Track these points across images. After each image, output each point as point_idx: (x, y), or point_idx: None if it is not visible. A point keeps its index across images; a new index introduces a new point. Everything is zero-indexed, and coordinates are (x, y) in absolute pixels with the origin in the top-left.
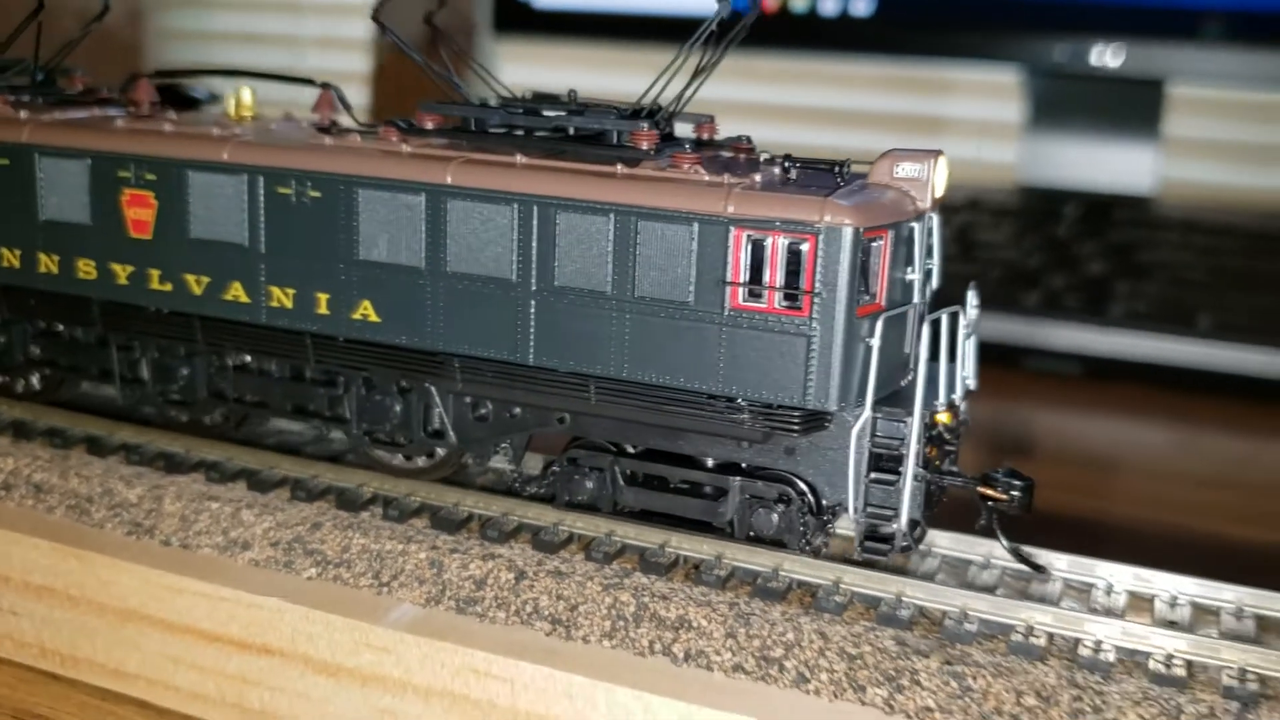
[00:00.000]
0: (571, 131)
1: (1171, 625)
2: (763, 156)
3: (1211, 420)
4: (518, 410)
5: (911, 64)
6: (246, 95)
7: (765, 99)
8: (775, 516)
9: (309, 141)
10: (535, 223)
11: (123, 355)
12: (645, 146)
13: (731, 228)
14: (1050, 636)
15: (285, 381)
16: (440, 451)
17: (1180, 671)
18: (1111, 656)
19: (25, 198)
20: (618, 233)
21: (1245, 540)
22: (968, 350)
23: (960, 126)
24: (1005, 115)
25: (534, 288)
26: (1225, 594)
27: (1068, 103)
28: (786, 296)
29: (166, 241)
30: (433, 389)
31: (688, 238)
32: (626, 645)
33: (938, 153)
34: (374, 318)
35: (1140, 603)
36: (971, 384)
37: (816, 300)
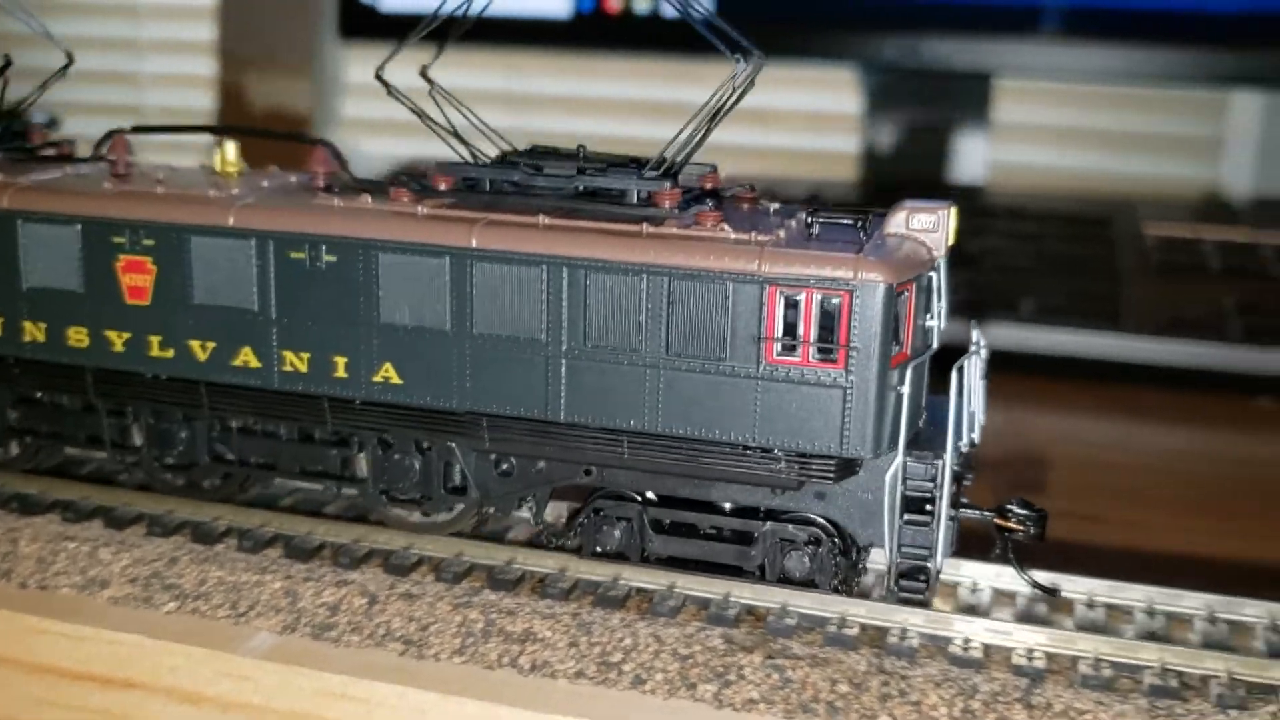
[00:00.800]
0: (581, 188)
1: (971, 611)
2: (772, 208)
3: (1030, 400)
4: (542, 465)
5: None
6: (231, 151)
7: (610, 95)
8: (807, 559)
9: (319, 204)
10: (565, 284)
11: (113, 421)
12: (668, 205)
13: (766, 286)
14: (862, 627)
15: (294, 443)
16: (459, 506)
17: (977, 654)
18: (916, 643)
19: (7, 265)
20: (651, 293)
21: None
22: (979, 389)
23: (797, 119)
24: (845, 108)
25: (565, 347)
26: (1021, 581)
27: (902, 97)
28: (821, 351)
29: (167, 308)
30: (455, 447)
31: (723, 297)
32: (476, 660)
33: (949, 204)
34: (396, 380)
35: (946, 590)
36: (981, 419)
37: (852, 354)
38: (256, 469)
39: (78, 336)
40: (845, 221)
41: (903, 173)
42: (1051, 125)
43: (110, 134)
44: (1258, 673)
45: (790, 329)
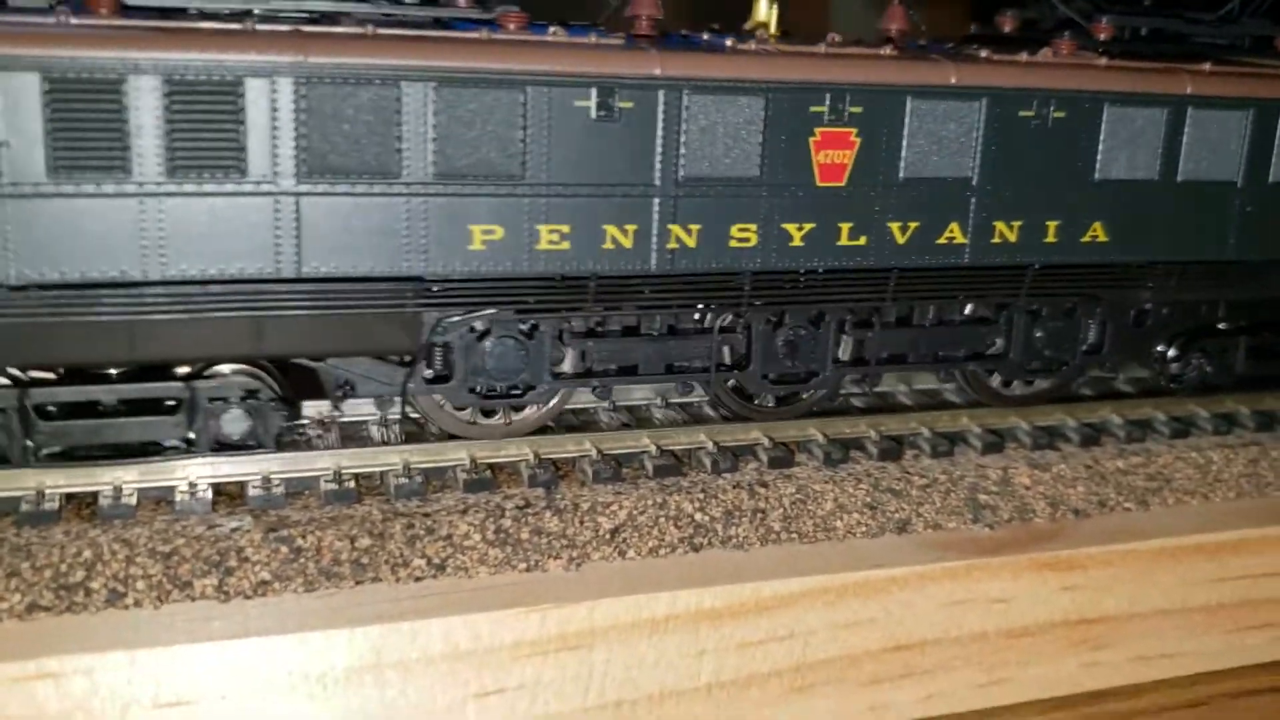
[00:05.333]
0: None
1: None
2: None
3: None
4: (1167, 310)
5: None
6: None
7: None
8: None
9: (1037, 59)
10: (1255, 126)
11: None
12: None
13: None
14: (357, 478)
15: (929, 329)
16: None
17: (487, 474)
18: (420, 479)
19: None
20: None
21: None
22: None
23: None
24: None
25: (1248, 186)
26: None
27: None
28: None
29: (867, 187)
30: (1106, 303)
31: None
32: None
33: None
34: (1103, 238)
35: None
36: None
37: None
38: (880, 364)
39: (742, 234)
40: None
41: None
42: None
43: None
44: (735, 438)
45: None
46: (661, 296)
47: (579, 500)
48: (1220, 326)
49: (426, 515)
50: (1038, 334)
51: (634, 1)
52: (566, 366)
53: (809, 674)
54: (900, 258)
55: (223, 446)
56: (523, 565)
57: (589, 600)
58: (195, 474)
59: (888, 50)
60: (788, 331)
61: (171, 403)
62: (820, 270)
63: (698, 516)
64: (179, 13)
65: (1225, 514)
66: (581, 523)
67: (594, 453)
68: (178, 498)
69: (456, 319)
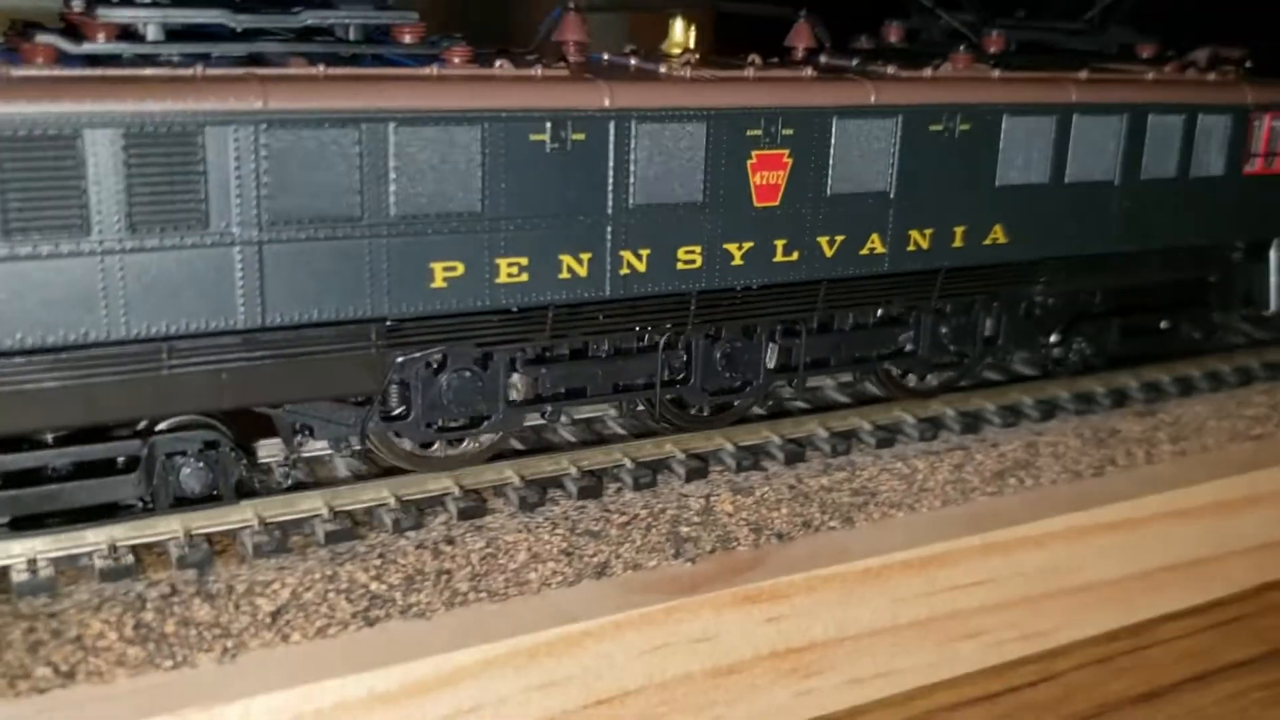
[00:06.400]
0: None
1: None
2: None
3: None
4: (1053, 301)
5: None
6: (681, 30)
7: None
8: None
9: (942, 74)
10: (1128, 129)
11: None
12: (1145, 56)
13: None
14: None
15: (847, 333)
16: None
17: (129, 559)
18: (50, 571)
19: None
20: (1185, 127)
21: None
22: None
23: None
24: None
25: (1122, 182)
26: None
27: None
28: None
29: (800, 205)
30: (996, 301)
31: (1224, 125)
32: None
33: None
34: (1003, 239)
35: None
36: None
37: None
38: (807, 369)
39: (689, 256)
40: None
41: None
42: None
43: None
44: (417, 489)
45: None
46: (614, 321)
47: (235, 581)
48: (1096, 313)
49: (52, 615)
50: (943, 331)
51: (561, 28)
52: (515, 393)
53: None
54: (828, 270)
55: (181, 502)
56: (168, 663)
57: (243, 698)
58: None
59: (809, 72)
60: (724, 345)
61: (122, 461)
62: (755, 286)
63: (373, 586)
64: (115, 59)
65: (931, 524)
66: (237, 607)
67: (255, 522)
68: None
69: (416, 355)
